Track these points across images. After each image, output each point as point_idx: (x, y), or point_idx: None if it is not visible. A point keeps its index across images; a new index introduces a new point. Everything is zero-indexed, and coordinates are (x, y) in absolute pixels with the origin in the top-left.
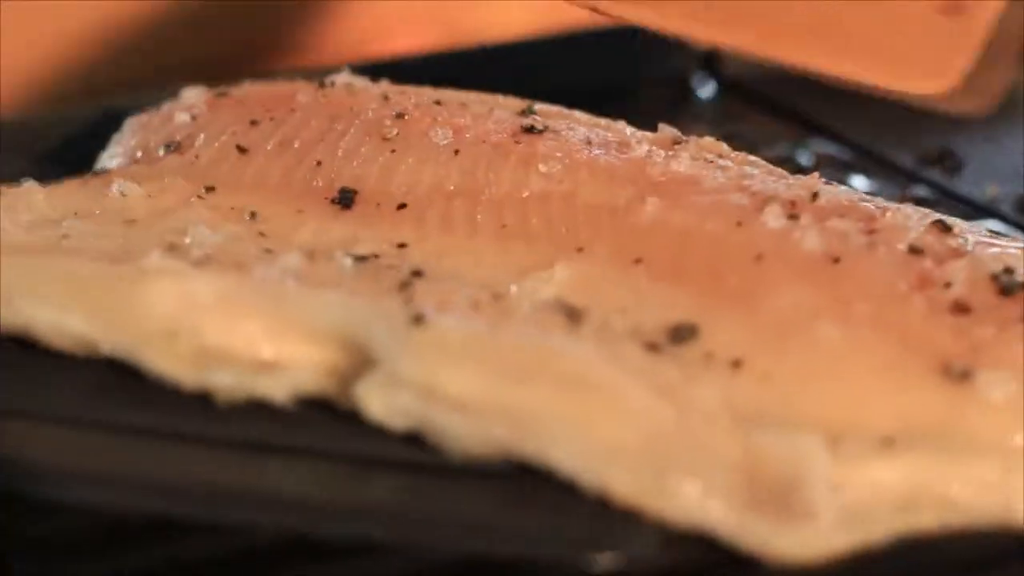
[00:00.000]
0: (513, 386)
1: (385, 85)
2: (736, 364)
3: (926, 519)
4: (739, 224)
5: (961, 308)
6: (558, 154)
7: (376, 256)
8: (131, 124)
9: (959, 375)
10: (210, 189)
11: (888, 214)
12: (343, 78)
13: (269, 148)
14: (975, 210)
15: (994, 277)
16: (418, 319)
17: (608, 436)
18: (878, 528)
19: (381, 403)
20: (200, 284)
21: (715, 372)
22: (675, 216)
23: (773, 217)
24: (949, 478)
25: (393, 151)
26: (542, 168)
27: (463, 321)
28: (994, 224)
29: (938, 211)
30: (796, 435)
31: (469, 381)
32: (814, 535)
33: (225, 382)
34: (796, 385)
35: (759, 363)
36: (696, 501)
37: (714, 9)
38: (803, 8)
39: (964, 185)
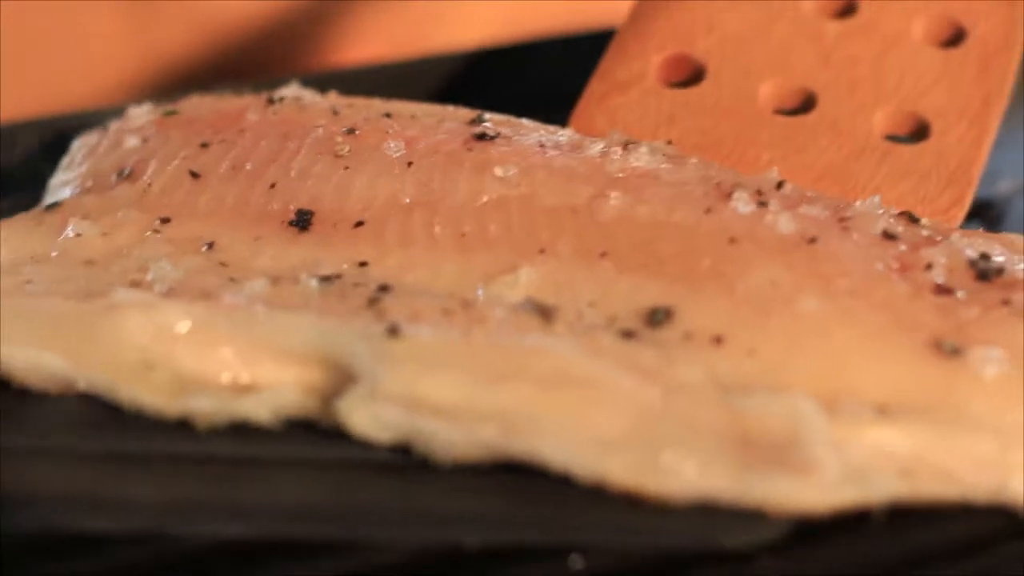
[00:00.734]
0: (496, 387)
1: (334, 98)
2: (717, 340)
3: (925, 488)
4: (708, 211)
5: (944, 290)
6: (513, 158)
7: (339, 276)
8: (79, 147)
9: (950, 351)
10: (165, 220)
11: (857, 203)
12: (291, 91)
13: (222, 172)
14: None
15: (972, 263)
16: (393, 331)
17: (596, 425)
18: (880, 489)
19: (365, 418)
20: (170, 314)
21: (696, 350)
22: (640, 209)
23: (742, 203)
24: (945, 451)
25: (347, 168)
26: (498, 172)
27: (438, 330)
28: None
29: None
30: (788, 397)
31: (451, 387)
32: (820, 485)
33: (205, 407)
34: (782, 357)
35: (741, 338)
36: (694, 475)
37: None
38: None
39: None
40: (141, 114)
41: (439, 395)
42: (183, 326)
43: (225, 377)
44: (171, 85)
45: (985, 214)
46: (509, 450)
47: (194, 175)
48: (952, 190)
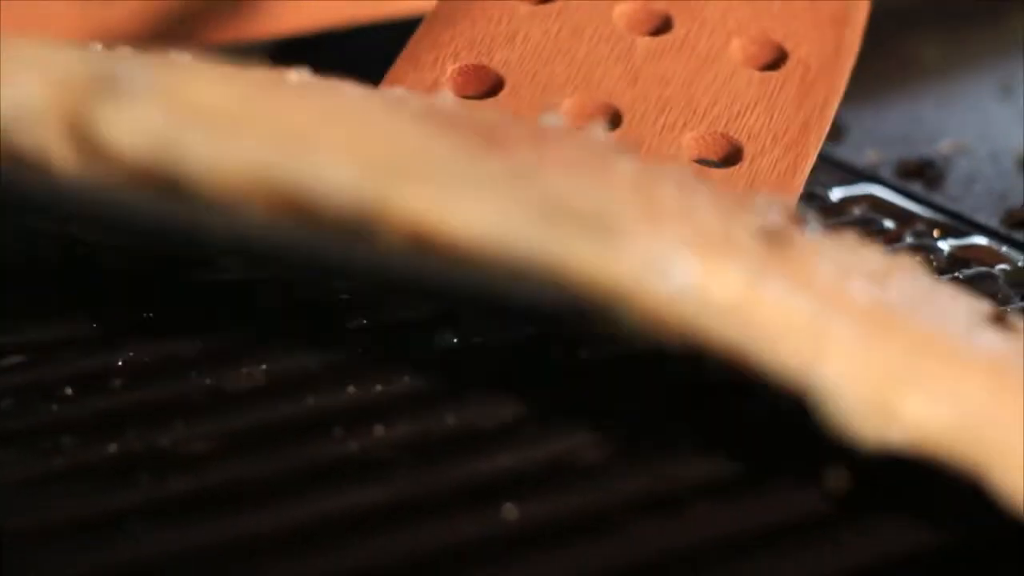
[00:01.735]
0: (274, 96)
1: None
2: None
3: (729, 331)
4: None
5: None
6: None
7: None
8: None
9: (785, 244)
10: None
11: None
12: None
13: None
14: (855, 175)
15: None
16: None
17: (383, 149)
18: (681, 303)
19: (120, 123)
20: None
21: None
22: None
23: (555, 120)
24: (761, 303)
25: None
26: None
27: None
28: (875, 189)
29: (818, 178)
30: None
31: (223, 93)
32: (614, 257)
33: None
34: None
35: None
36: (488, 214)
37: None
38: None
39: (845, 151)
40: None
41: (208, 101)
42: None
43: None
44: None
45: (926, 173)
46: (277, 172)
47: None
48: None
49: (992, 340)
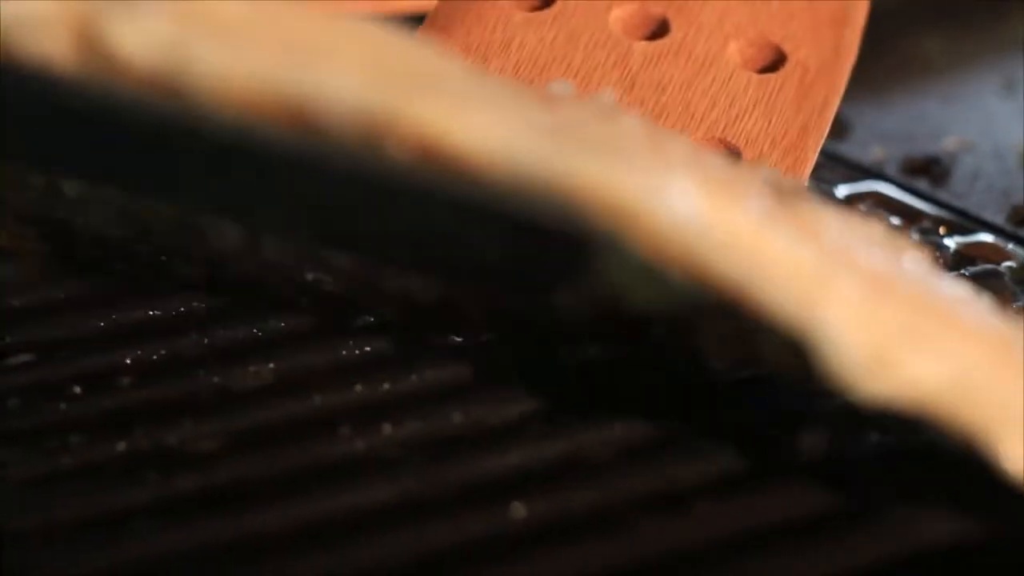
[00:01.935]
0: (283, 9)
1: None
2: None
3: (732, 269)
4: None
5: None
6: None
7: None
8: None
9: (787, 198)
10: None
11: None
12: None
13: None
14: (861, 173)
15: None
16: None
17: (396, 61)
18: (680, 223)
19: (132, 31)
20: None
21: None
22: None
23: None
24: (765, 242)
25: None
26: None
27: None
28: (880, 186)
29: (822, 175)
30: None
31: (234, 3)
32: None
33: None
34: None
35: None
36: (501, 127)
37: None
38: None
39: (850, 148)
40: None
41: (218, 11)
42: None
43: None
44: None
45: (932, 170)
46: (286, 83)
47: None
48: None
49: (996, 319)
